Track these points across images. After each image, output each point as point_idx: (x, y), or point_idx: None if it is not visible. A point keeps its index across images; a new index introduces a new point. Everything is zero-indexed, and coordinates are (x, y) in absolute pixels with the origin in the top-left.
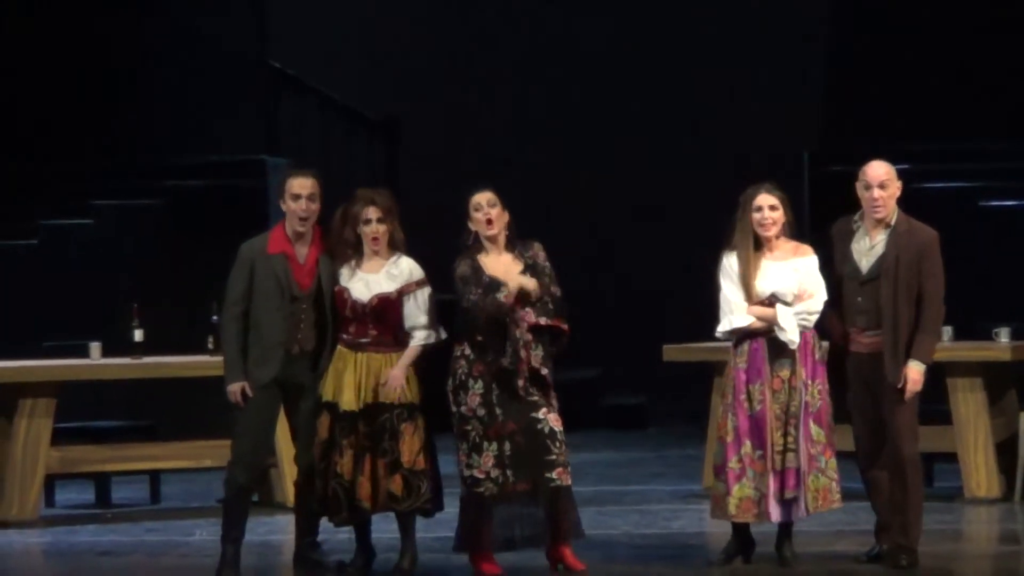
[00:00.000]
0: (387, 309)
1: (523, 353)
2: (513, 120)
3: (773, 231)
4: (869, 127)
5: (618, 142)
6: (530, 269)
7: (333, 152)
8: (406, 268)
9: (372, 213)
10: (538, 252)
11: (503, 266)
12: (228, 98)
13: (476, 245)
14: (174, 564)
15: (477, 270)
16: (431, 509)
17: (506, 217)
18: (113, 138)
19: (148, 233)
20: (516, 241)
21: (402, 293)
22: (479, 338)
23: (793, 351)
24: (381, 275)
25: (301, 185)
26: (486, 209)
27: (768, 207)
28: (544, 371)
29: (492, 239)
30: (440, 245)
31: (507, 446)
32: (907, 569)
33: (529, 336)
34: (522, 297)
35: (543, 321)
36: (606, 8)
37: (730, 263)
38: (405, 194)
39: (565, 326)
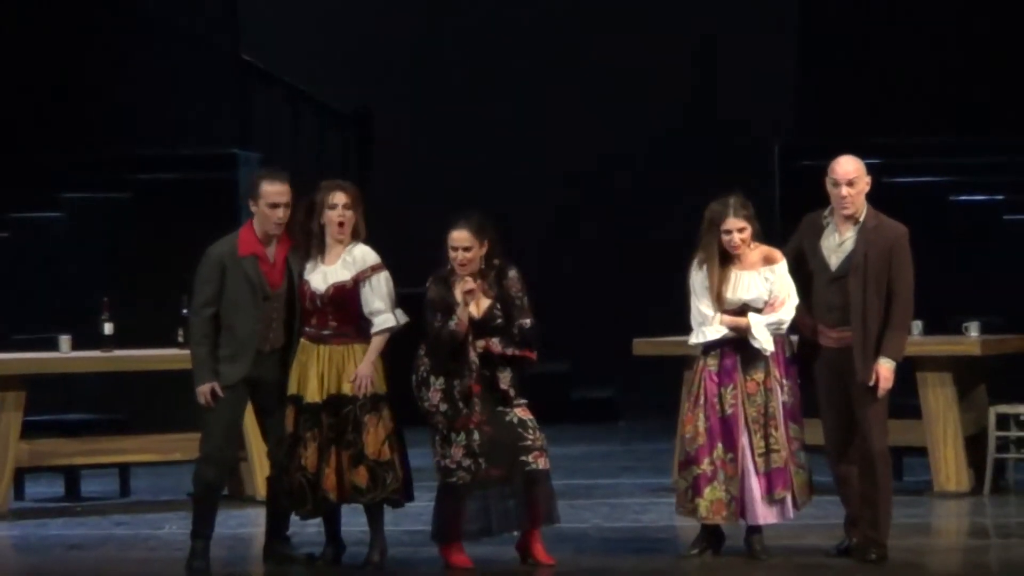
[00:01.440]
0: (344, 298)
1: (475, 375)
2: (485, 112)
3: (742, 250)
4: (840, 121)
5: (590, 135)
6: (499, 300)
7: (305, 146)
8: (359, 255)
9: (340, 198)
10: (513, 283)
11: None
12: (199, 91)
13: (451, 270)
14: (143, 557)
15: (444, 298)
16: (399, 500)
17: (483, 251)
18: (83, 131)
19: (118, 226)
20: (494, 267)
21: (358, 280)
22: (445, 363)
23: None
24: (337, 265)
25: (279, 193)
26: (461, 253)
27: (737, 230)
28: (512, 392)
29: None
30: (411, 237)
31: (475, 435)
32: (876, 563)
33: (496, 359)
34: (476, 325)
35: (509, 351)
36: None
37: (699, 277)
38: (377, 187)
39: (533, 355)
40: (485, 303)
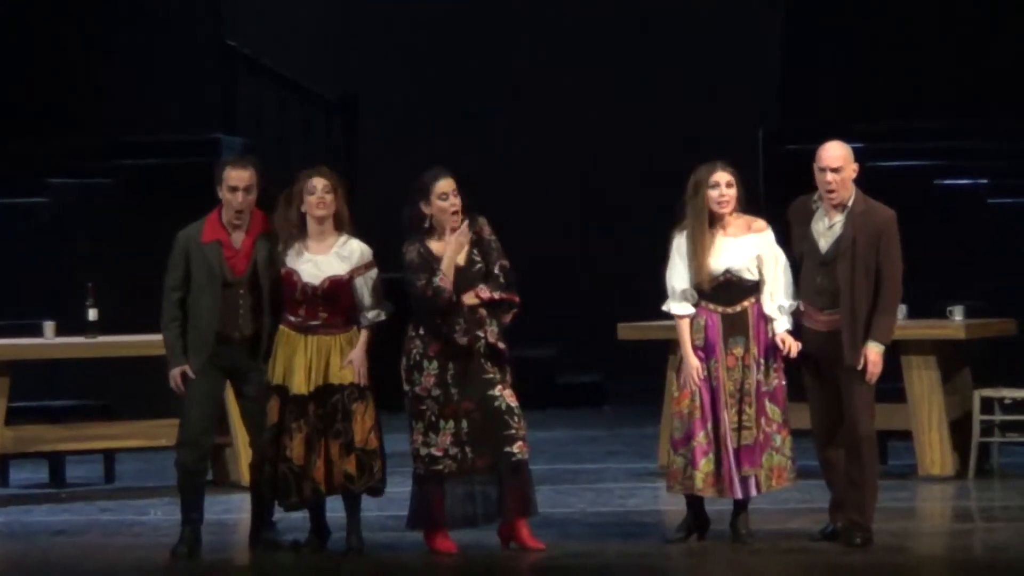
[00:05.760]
0: (339, 291)
1: (475, 329)
2: (471, 99)
3: (729, 208)
4: (824, 106)
5: (574, 121)
6: (475, 246)
7: (290, 132)
8: (356, 249)
9: (318, 183)
10: (483, 227)
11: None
12: (184, 77)
13: (427, 229)
14: (128, 543)
15: (424, 256)
16: (381, 488)
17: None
18: (68, 116)
19: (103, 211)
20: (462, 219)
21: (353, 275)
22: (434, 320)
23: (746, 328)
24: (331, 256)
25: (238, 178)
26: (452, 199)
27: (725, 184)
28: (501, 345)
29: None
30: (397, 225)
31: (464, 424)
32: (861, 547)
33: (483, 312)
34: (459, 273)
35: (497, 295)
36: None
37: (680, 243)
38: (363, 174)
39: (516, 298)
40: (464, 251)
